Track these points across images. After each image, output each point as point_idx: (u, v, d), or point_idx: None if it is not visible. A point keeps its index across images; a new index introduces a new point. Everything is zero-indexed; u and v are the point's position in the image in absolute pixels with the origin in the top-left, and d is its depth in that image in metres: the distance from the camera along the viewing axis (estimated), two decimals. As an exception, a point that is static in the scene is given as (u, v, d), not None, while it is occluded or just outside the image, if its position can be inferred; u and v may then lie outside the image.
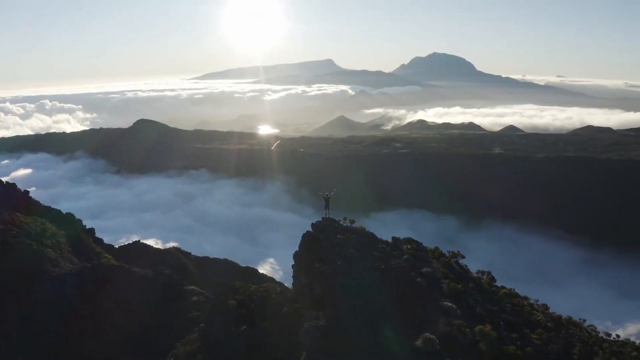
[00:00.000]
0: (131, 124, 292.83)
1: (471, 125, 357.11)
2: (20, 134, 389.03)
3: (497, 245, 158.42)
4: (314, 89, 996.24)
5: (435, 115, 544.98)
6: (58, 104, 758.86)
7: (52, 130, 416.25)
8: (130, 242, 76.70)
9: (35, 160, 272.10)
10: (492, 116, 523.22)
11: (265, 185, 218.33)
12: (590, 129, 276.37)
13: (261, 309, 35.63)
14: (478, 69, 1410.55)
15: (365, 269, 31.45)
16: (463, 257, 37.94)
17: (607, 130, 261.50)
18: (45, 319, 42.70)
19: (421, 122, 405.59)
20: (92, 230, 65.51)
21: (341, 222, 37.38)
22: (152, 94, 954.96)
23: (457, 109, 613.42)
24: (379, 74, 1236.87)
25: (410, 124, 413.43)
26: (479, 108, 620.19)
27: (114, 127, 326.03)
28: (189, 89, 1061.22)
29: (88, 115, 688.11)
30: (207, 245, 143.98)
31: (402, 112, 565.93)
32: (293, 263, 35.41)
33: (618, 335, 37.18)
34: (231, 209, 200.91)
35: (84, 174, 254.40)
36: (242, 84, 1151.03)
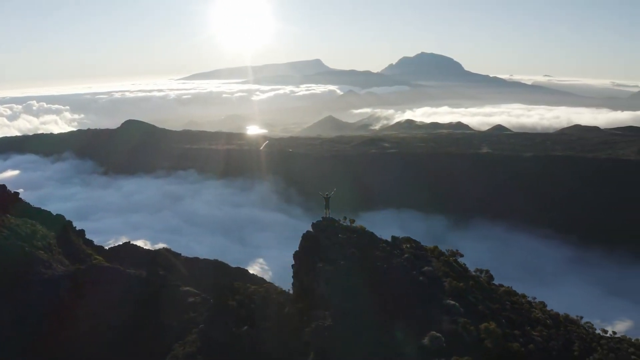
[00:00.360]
0: (119, 125, 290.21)
1: (459, 125, 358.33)
2: (8, 135, 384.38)
3: (485, 244, 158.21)
4: (302, 89, 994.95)
5: (424, 115, 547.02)
6: (45, 105, 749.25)
7: (39, 131, 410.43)
8: (119, 243, 76.25)
9: (23, 162, 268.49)
10: (480, 116, 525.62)
11: (254, 185, 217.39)
12: (577, 128, 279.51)
13: (261, 309, 35.37)
14: (466, 68, 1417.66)
15: (367, 268, 31.36)
16: (462, 255, 38.04)
17: (594, 130, 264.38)
18: (40, 320, 42.11)
19: (409, 122, 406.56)
20: (82, 232, 65.07)
21: (341, 222, 37.24)
22: (140, 94, 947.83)
23: (445, 108, 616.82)
24: (367, 74, 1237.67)
25: (398, 123, 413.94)
26: (466, 108, 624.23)
27: (102, 127, 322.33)
28: (177, 89, 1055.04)
29: (75, 116, 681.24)
30: (196, 246, 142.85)
31: (390, 112, 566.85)
32: (293, 263, 35.20)
33: (615, 332, 37.50)
34: (220, 209, 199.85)
35: (72, 175, 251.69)
36: (230, 84, 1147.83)
